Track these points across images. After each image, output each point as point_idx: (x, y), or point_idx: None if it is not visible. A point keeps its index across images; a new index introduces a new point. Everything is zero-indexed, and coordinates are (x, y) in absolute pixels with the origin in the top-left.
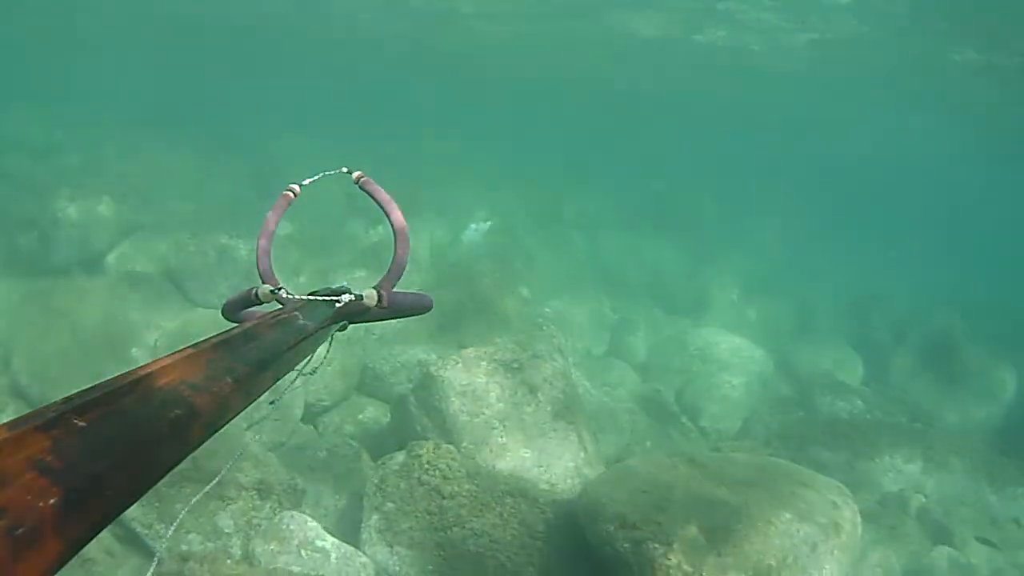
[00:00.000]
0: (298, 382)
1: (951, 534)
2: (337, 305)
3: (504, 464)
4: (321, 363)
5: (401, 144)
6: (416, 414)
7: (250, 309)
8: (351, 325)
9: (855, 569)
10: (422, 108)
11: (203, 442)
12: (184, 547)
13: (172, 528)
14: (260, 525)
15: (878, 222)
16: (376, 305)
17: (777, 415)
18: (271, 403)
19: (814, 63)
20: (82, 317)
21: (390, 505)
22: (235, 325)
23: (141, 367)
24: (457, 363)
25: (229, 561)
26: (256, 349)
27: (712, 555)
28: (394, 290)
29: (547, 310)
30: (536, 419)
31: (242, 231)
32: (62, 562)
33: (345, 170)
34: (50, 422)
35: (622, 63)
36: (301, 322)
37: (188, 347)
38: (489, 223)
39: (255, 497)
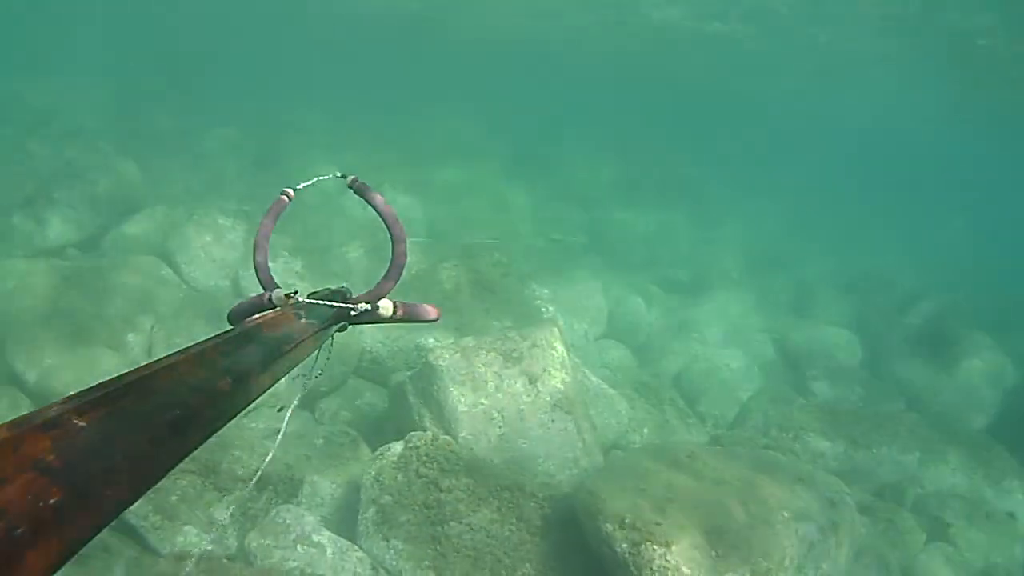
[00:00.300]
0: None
1: (947, 528)
2: (352, 314)
3: (502, 455)
4: (326, 365)
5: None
6: (414, 403)
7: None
8: (350, 325)
9: (851, 566)
10: (429, 84)
11: (203, 442)
12: (180, 538)
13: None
14: (257, 517)
15: (879, 199)
16: (391, 315)
17: (775, 402)
18: (279, 410)
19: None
20: (78, 300)
21: (387, 498)
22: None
23: (141, 367)
24: (456, 353)
25: (225, 560)
26: (257, 349)
27: (710, 557)
28: (405, 302)
29: (546, 291)
30: (534, 409)
31: (239, 209)
32: (62, 562)
33: (339, 175)
34: (50, 422)
35: (623, 38)
36: (302, 322)
37: (188, 347)
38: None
39: (252, 488)
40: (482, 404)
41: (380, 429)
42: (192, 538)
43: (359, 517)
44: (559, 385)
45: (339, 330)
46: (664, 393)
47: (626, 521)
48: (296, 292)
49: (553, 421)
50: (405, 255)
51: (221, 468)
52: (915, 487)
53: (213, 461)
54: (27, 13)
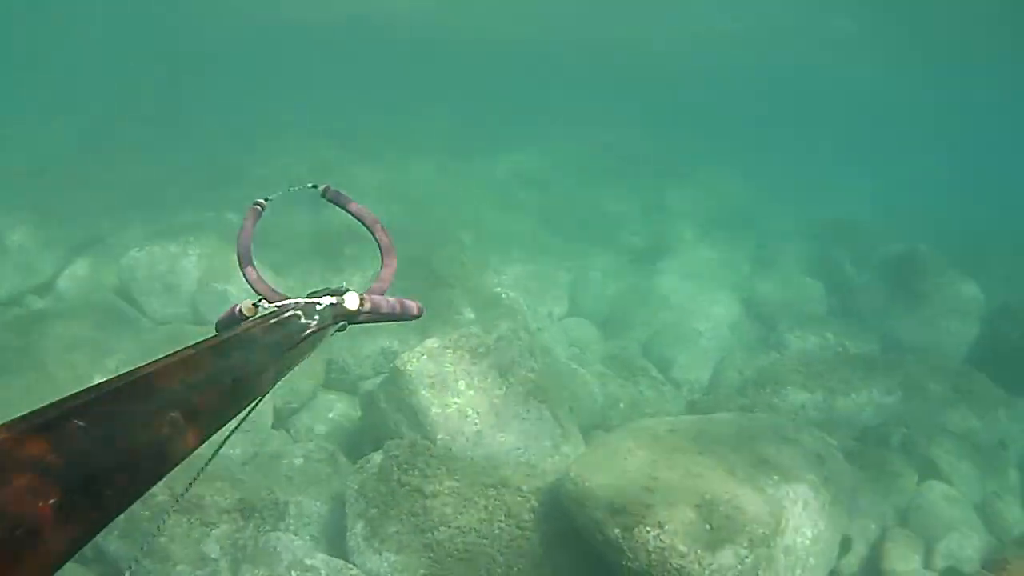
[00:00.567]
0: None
1: (937, 464)
2: (318, 307)
3: (482, 452)
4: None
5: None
6: (387, 410)
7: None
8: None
9: (849, 517)
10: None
11: (202, 443)
12: None
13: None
14: (247, 547)
15: (835, 144)
16: (358, 310)
17: (748, 359)
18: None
19: None
20: (41, 349)
21: (373, 511)
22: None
23: (140, 367)
24: (422, 355)
25: None
26: (256, 350)
27: (705, 531)
28: (381, 297)
29: (504, 277)
30: (508, 402)
31: (193, 235)
32: (61, 562)
33: (311, 185)
34: (50, 422)
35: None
36: (301, 323)
37: (187, 347)
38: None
39: (238, 518)
40: (455, 403)
41: (357, 440)
42: None
43: (347, 533)
44: (529, 374)
45: (339, 329)
46: (635, 364)
47: (615, 506)
48: (262, 300)
49: (528, 411)
50: (393, 253)
51: (204, 502)
52: (900, 428)
53: (197, 495)
54: None
